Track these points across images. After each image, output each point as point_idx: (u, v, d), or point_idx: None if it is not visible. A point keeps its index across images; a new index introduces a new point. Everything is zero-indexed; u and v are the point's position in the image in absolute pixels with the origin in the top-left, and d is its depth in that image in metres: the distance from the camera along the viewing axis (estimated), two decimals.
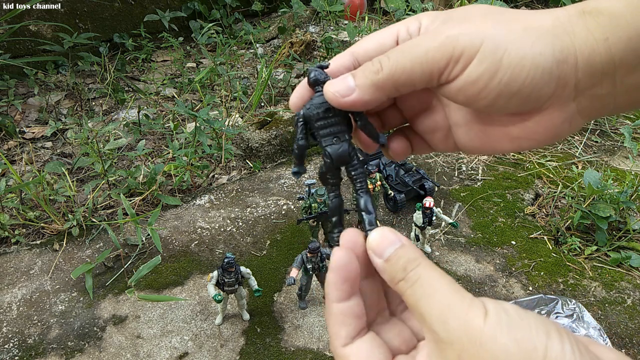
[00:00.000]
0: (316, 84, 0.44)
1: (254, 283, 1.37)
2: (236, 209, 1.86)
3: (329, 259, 1.41)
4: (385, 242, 0.39)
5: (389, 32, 0.45)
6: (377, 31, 0.46)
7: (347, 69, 0.45)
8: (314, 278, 1.45)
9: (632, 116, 2.48)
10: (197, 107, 2.43)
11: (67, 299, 1.52)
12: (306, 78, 0.45)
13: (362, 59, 0.45)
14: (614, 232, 1.71)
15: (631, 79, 0.39)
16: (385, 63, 0.41)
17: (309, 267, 1.39)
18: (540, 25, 0.39)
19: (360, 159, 0.45)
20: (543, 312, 1.33)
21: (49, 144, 2.31)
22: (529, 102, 0.39)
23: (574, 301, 1.31)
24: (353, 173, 0.44)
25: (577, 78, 0.39)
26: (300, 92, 0.46)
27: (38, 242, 1.74)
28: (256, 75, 2.81)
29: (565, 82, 0.39)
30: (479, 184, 1.98)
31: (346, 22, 3.10)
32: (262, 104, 2.56)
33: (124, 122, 2.26)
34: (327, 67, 0.45)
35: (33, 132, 2.37)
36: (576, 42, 0.38)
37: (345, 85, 0.42)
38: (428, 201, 1.54)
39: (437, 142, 0.50)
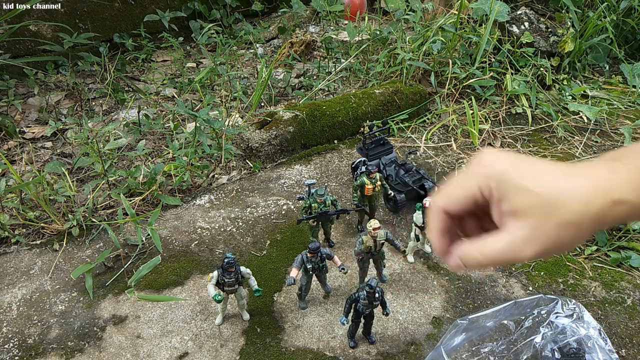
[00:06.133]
0: None
1: (254, 283, 1.37)
2: (236, 209, 1.86)
3: (329, 258, 1.41)
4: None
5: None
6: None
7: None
8: (314, 278, 1.45)
9: (632, 116, 2.48)
10: (197, 107, 2.43)
11: (67, 299, 1.52)
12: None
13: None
14: (614, 232, 1.71)
15: None
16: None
17: (309, 267, 1.39)
18: None
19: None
20: (543, 312, 1.33)
21: (49, 144, 2.31)
22: None
23: (574, 301, 1.31)
24: None
25: None
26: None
27: (38, 242, 1.74)
28: (256, 75, 2.81)
29: None
30: None
31: (346, 22, 3.10)
32: (262, 104, 2.56)
33: (124, 122, 2.26)
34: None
35: (33, 132, 2.37)
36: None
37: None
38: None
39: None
